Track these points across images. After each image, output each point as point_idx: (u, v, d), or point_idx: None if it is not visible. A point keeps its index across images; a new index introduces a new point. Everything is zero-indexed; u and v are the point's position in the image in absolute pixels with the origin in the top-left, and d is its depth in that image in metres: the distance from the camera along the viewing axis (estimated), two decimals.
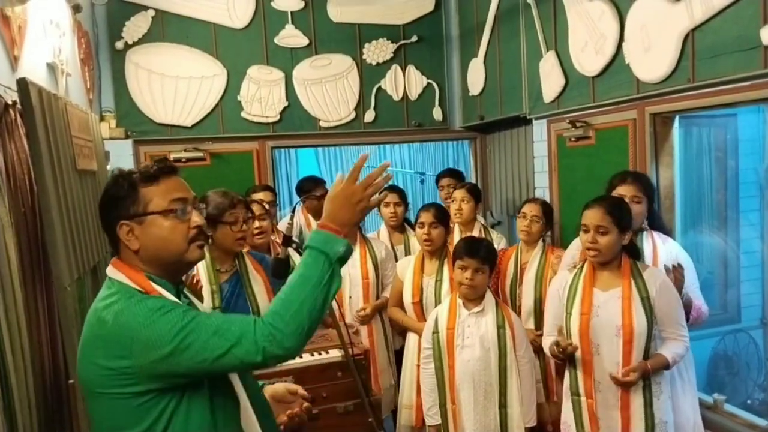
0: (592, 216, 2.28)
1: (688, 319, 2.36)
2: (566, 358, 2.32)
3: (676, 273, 2.32)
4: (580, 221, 2.34)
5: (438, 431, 2.66)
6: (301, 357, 2.61)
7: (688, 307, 2.37)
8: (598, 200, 2.38)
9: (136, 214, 1.36)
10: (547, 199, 3.65)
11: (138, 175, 1.38)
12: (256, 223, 2.87)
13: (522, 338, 2.63)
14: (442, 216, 3.05)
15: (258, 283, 2.50)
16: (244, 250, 2.96)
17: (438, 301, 2.92)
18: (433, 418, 2.67)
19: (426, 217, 3.01)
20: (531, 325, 3.02)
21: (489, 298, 2.64)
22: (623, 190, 2.54)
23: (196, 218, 1.40)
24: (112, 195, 1.39)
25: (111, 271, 1.39)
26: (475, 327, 2.59)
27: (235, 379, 1.41)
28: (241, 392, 1.40)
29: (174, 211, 1.36)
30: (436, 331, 2.64)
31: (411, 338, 3.04)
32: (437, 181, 4.23)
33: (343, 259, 1.33)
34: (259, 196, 3.35)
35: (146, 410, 1.29)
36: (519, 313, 3.03)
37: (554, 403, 2.91)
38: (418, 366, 2.87)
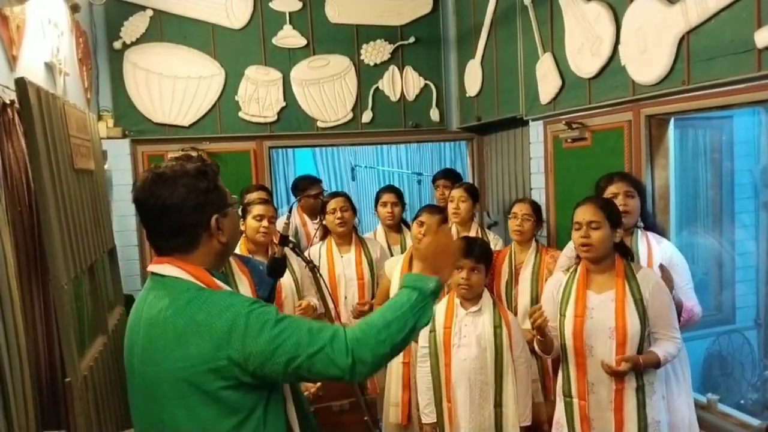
0: (584, 212, 2.29)
1: (678, 321, 2.38)
2: (546, 347, 2.34)
3: (663, 273, 2.33)
4: (572, 222, 2.36)
5: (433, 429, 2.67)
6: None
7: (678, 308, 2.38)
8: (589, 198, 2.42)
9: (226, 205, 1.39)
10: (543, 200, 3.66)
11: (215, 168, 1.40)
12: (264, 222, 2.94)
13: (518, 338, 2.64)
14: (443, 218, 3.10)
15: (243, 284, 2.50)
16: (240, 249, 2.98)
17: None
18: (429, 416, 2.68)
19: (427, 218, 3.04)
20: (527, 325, 3.02)
21: (486, 297, 2.66)
22: (614, 188, 2.56)
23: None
24: (204, 188, 1.35)
25: (167, 269, 1.34)
26: (472, 326, 2.60)
27: (288, 392, 1.44)
28: (289, 397, 1.44)
29: (236, 203, 1.45)
30: (432, 330, 2.65)
31: None
32: (434, 180, 4.25)
33: (436, 294, 1.38)
34: (254, 196, 3.36)
35: (236, 407, 1.29)
36: (515, 314, 3.05)
37: (552, 403, 2.93)
38: (405, 363, 2.91)
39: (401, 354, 2.96)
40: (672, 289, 2.32)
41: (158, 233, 1.37)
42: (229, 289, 1.38)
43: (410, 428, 3.00)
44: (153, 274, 1.38)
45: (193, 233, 1.35)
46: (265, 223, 2.93)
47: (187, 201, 1.32)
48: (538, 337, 2.32)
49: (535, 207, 3.20)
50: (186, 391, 1.27)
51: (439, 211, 3.14)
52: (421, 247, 1.49)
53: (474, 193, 3.60)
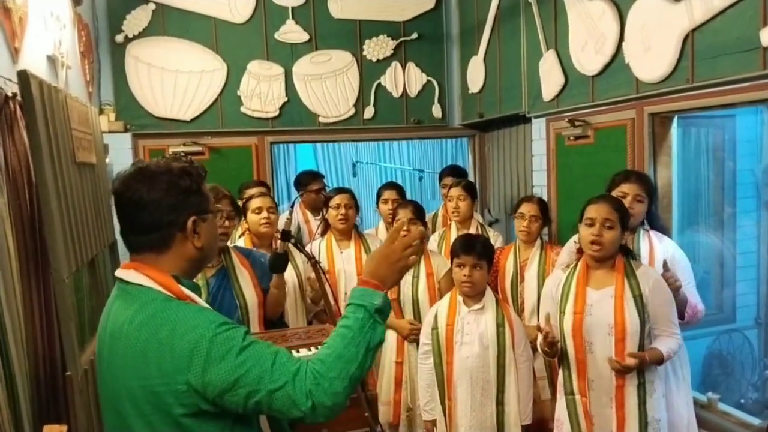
0: (600, 209, 2.28)
1: (683, 318, 2.37)
2: (552, 352, 2.34)
3: (667, 271, 2.32)
4: (581, 216, 2.34)
5: (434, 426, 2.67)
6: (298, 351, 2.63)
7: (683, 305, 2.38)
8: (603, 196, 2.41)
9: (206, 210, 1.35)
10: (545, 198, 3.65)
11: (201, 172, 1.37)
12: (264, 213, 2.96)
13: (521, 337, 2.63)
14: (419, 214, 3.06)
15: (244, 278, 2.51)
16: (240, 243, 2.98)
17: (415, 297, 2.96)
18: (429, 414, 2.68)
19: (404, 215, 3.02)
20: (535, 323, 3.02)
21: (489, 295, 2.65)
22: (627, 188, 2.55)
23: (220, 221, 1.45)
24: (185, 188, 1.31)
25: (132, 275, 1.30)
26: (475, 324, 2.59)
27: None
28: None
29: (219, 212, 1.39)
30: (435, 327, 2.65)
31: (389, 335, 3.04)
32: (440, 179, 4.21)
33: (382, 312, 1.33)
34: (252, 191, 3.37)
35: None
36: (521, 312, 3.04)
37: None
38: (398, 363, 2.93)
39: (394, 353, 2.98)
40: (680, 287, 2.32)
41: (133, 229, 1.32)
42: (198, 299, 1.31)
43: (401, 427, 3.00)
44: (119, 280, 1.32)
45: (167, 232, 1.30)
46: (264, 214, 2.97)
47: (165, 198, 1.29)
48: (545, 349, 2.32)
49: (543, 206, 3.18)
50: (147, 409, 1.23)
51: (412, 205, 3.11)
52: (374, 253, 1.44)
53: (473, 191, 3.58)
